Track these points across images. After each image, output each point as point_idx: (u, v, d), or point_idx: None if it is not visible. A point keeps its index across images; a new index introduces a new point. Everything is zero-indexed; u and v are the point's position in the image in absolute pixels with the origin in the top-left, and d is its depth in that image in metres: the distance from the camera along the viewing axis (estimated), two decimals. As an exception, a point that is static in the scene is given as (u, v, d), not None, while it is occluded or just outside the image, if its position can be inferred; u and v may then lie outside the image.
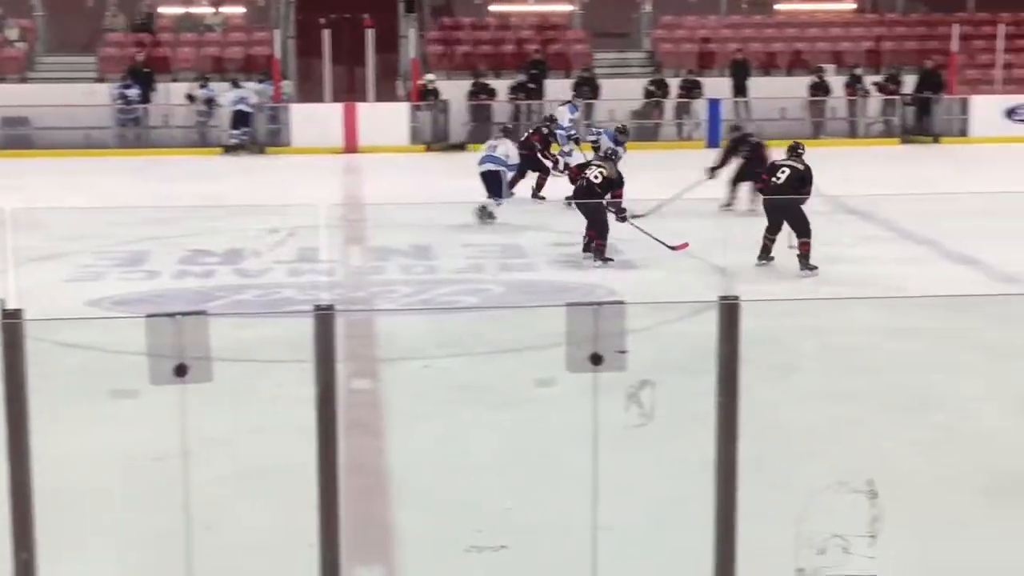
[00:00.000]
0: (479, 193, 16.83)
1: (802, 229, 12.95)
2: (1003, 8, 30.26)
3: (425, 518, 6.75)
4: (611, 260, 13.59)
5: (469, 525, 6.52)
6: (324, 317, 4.05)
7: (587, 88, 26.80)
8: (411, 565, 6.25)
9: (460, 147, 25.79)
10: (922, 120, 27.14)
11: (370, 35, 26.96)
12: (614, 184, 13.94)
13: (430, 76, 26.72)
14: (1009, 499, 6.95)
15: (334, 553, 4.17)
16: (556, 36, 29.41)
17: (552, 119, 19.51)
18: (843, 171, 18.90)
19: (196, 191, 19.74)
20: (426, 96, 26.36)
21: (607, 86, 27.24)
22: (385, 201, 18.16)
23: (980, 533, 6.56)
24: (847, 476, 5.38)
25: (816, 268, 12.84)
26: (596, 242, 13.58)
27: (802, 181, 13.18)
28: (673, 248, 13.67)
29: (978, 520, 6.72)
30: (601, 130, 18.06)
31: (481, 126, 26.59)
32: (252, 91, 26.15)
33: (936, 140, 26.46)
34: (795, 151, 13.61)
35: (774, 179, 13.42)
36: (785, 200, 13.10)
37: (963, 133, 26.66)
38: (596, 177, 13.91)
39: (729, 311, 4.23)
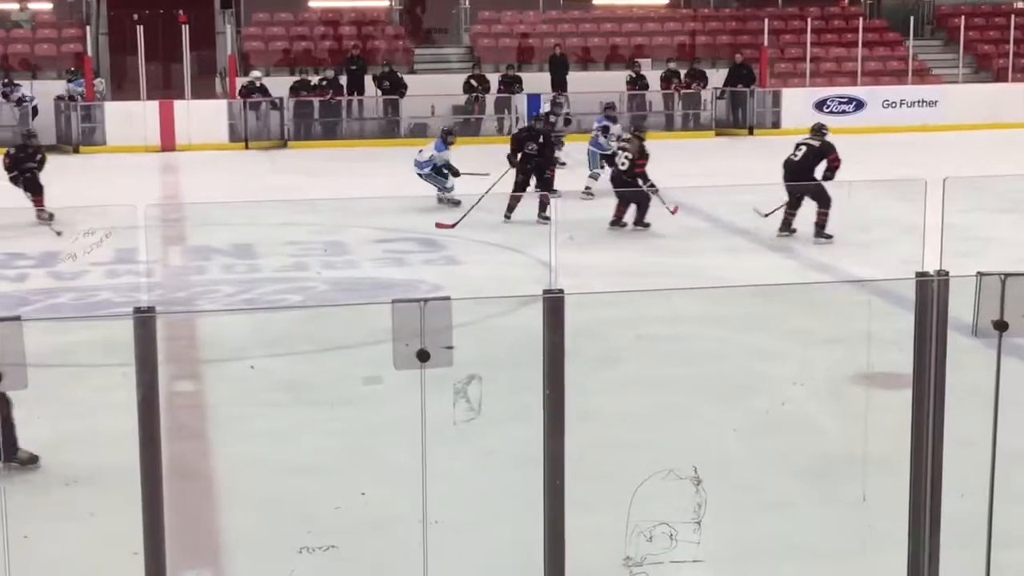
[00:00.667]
0: (299, 190, 16.70)
1: (822, 201, 14.03)
2: (811, 3, 31.11)
3: (254, 520, 6.68)
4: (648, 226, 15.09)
5: (299, 526, 6.46)
6: (144, 319, 3.97)
7: (388, 83, 26.72)
8: (240, 569, 6.18)
9: (283, 144, 25.55)
10: (736, 113, 27.73)
11: (185, 31, 26.50)
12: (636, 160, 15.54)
13: (256, 72, 26.37)
14: (825, 480, 7.16)
15: (160, 560, 4.10)
16: (375, 32, 29.29)
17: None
18: (661, 164, 19.18)
19: (7, 192, 19.15)
20: (252, 93, 26.03)
21: (427, 81, 27.24)
22: (205, 200, 17.88)
23: (801, 514, 6.74)
24: (672, 463, 5.47)
25: (832, 237, 13.87)
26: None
27: (820, 157, 14.24)
28: (672, 211, 15.35)
29: (798, 502, 6.91)
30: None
31: (302, 122, 26.36)
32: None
33: (750, 132, 27.07)
34: (818, 131, 14.60)
35: (792, 156, 14.51)
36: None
37: (776, 125, 27.29)
38: (623, 164, 15.57)
39: (553, 304, 4.26)
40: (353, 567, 6.05)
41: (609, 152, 18.35)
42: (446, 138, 17.37)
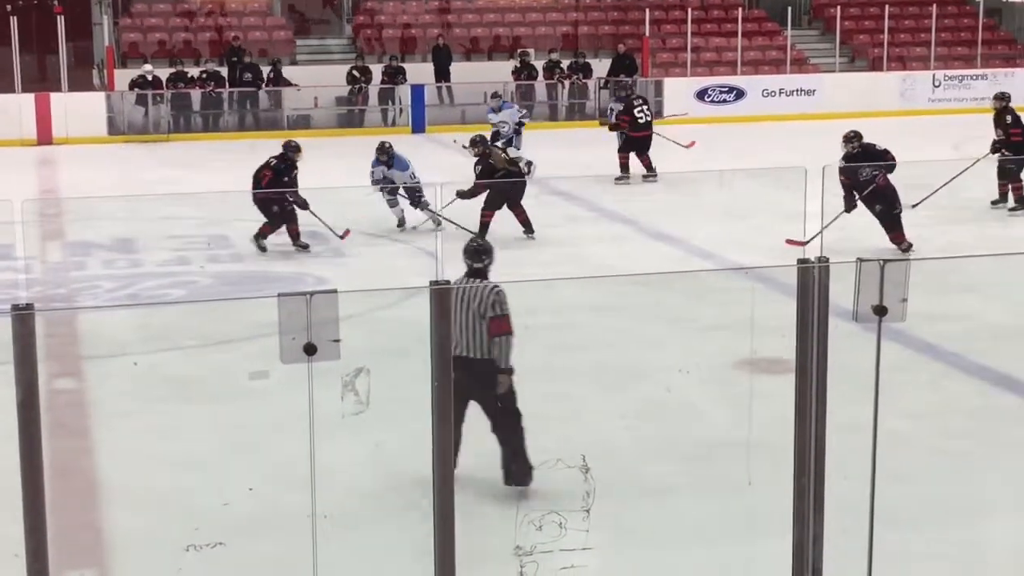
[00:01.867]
0: (181, 184, 16.47)
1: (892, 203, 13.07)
2: (691, -7, 31.44)
3: (139, 519, 6.59)
4: None
5: (185, 523, 6.39)
6: (23, 317, 3.90)
7: (250, 74, 26.50)
8: (126, 568, 6.10)
9: (165, 137, 25.22)
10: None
11: (61, 21, 26.00)
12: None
13: (148, 67, 25.93)
14: (710, 465, 7.25)
15: (42, 562, 4.03)
16: (257, 23, 29.00)
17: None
18: (546, 153, 19.26)
19: None
20: (144, 87, 25.59)
21: (310, 72, 27.04)
22: (84, 194, 17.58)
23: (687, 499, 6.82)
24: (561, 453, 5.50)
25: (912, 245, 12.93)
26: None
27: (871, 157, 13.29)
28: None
29: (683, 487, 6.99)
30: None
31: (180, 115, 26.01)
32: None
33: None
34: (851, 140, 13.47)
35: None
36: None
37: (658, 114, 27.53)
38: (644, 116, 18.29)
39: (440, 296, 4.26)
40: (242, 564, 6.00)
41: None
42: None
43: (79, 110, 24.95)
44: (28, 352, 3.91)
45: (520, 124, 19.52)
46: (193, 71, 26.50)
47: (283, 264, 13.14)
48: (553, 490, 5.29)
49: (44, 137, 24.53)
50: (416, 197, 14.80)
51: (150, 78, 25.71)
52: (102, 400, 8.67)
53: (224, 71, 26.53)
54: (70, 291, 12.15)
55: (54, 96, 25.08)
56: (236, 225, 15.21)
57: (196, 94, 26.22)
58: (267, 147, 21.82)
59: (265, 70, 26.54)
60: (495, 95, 20.88)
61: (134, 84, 25.71)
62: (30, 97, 25.00)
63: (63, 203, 17.81)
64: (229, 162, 21.38)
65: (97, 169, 21.06)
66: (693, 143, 18.94)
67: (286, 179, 13.77)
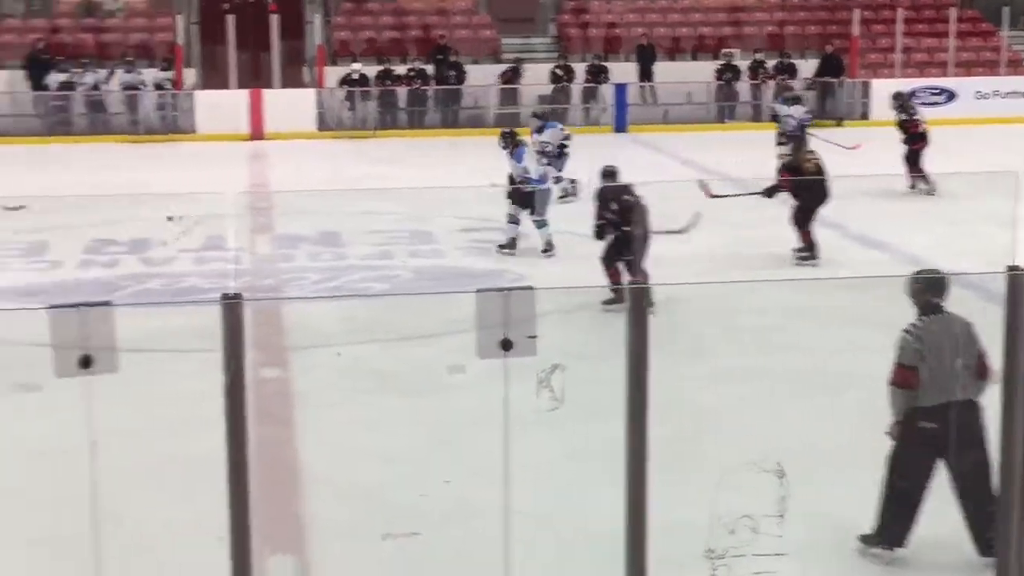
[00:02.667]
0: (386, 180, 16.75)
1: None
2: (901, -7, 30.70)
3: (337, 507, 6.73)
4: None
5: (382, 513, 6.51)
6: (232, 306, 4.00)
7: (454, 72, 26.79)
8: (324, 555, 6.23)
9: (372, 133, 25.68)
10: (825, 104, 27.43)
11: (275, 21, 26.70)
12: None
13: (356, 65, 26.50)
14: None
15: (245, 545, 4.13)
16: (462, 22, 29.34)
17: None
18: (750, 154, 19.04)
19: (100, 179, 19.45)
20: (352, 84, 26.15)
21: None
22: (292, 188, 18.01)
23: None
24: (757, 456, 5.44)
25: None
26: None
27: None
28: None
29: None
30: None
31: (387, 112, 26.46)
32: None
33: (839, 123, 26.76)
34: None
35: None
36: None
37: (865, 116, 26.95)
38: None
39: (637, 296, 4.24)
40: (436, 555, 6.07)
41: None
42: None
43: (290, 106, 25.58)
44: (236, 340, 4.01)
45: (563, 145, 17.47)
46: (400, 69, 26.95)
47: (484, 261, 13.25)
48: (747, 493, 5.22)
49: (256, 132, 25.22)
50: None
51: (357, 76, 26.24)
52: (306, 390, 8.87)
53: (430, 69, 26.92)
54: (277, 282, 12.46)
55: (267, 92, 25.76)
56: (438, 221, 15.42)
57: (402, 91, 26.66)
58: (471, 144, 22.15)
59: (471, 68, 26.85)
60: (536, 115, 18.65)
61: (343, 81, 26.29)
62: (244, 93, 25.72)
63: (273, 197, 18.29)
64: (433, 159, 21.70)
65: (306, 164, 21.56)
66: (858, 146, 18.40)
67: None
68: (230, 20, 26.37)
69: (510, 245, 13.37)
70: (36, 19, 28.00)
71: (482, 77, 27.05)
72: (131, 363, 4.30)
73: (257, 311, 10.73)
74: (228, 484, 4.09)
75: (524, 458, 4.90)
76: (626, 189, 11.43)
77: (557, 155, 17.08)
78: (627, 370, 4.24)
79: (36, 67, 25.98)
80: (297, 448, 7.71)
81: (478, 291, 4.15)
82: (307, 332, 10.52)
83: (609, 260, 11.20)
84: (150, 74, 26.20)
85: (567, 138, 17.57)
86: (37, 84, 25.87)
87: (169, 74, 26.06)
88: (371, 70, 26.69)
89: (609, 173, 11.82)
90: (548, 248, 13.30)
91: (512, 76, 26.83)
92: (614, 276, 11.08)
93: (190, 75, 26.97)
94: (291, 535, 6.40)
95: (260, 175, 21.27)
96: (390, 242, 14.16)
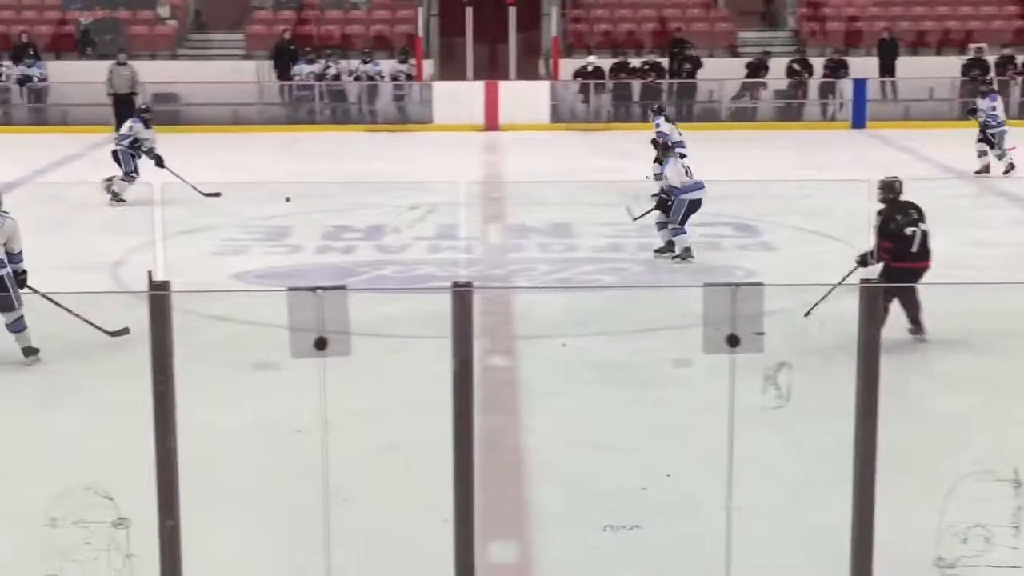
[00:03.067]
0: (617, 172, 16.75)
1: None
2: None
3: (560, 496, 6.77)
4: None
5: (603, 504, 6.53)
6: (462, 294, 4.07)
7: (690, 65, 26.57)
8: (545, 542, 6.28)
9: (604, 126, 25.75)
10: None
11: (512, 13, 26.98)
12: None
13: (591, 58, 26.63)
14: None
15: (469, 529, 4.20)
16: (699, 15, 29.13)
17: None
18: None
19: (339, 167, 19.98)
20: (586, 76, 26.30)
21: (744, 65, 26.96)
22: (525, 179, 18.19)
23: None
24: (991, 464, 5.27)
25: None
26: None
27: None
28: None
29: None
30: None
31: (621, 105, 26.48)
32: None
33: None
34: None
35: None
36: None
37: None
38: None
39: (870, 295, 4.16)
40: (656, 548, 6.07)
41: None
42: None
43: (525, 98, 25.82)
44: (465, 328, 4.09)
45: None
46: (635, 62, 26.93)
47: (714, 255, 13.15)
48: (981, 502, 5.06)
49: (491, 123, 25.53)
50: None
51: (592, 68, 26.32)
52: (532, 379, 8.95)
53: (665, 62, 26.82)
54: (507, 272, 12.59)
55: (502, 84, 26.05)
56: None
57: (636, 84, 26.63)
58: (705, 138, 21.99)
59: (707, 62, 26.66)
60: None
61: (578, 73, 26.40)
62: (480, 85, 26.07)
63: (505, 187, 18.50)
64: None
65: (538, 155, 21.74)
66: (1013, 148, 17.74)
67: None
68: (469, 12, 26.76)
69: (685, 254, 12.75)
70: (284, 11, 28.89)
71: (717, 71, 26.80)
72: (363, 347, 4.42)
73: (487, 300, 10.87)
74: (454, 468, 4.17)
75: (748, 454, 4.86)
76: (909, 213, 9.72)
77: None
78: (857, 370, 4.17)
79: (282, 57, 26.82)
80: (522, 436, 7.79)
81: (706, 285, 4.13)
82: (535, 322, 10.61)
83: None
84: (387, 65, 26.77)
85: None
86: (283, 74, 26.71)
87: (405, 66, 26.57)
88: (606, 63, 26.74)
89: (887, 186, 9.92)
90: (685, 255, 12.70)
91: (756, 70, 26.49)
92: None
93: (428, 66, 27.46)
94: (513, 521, 6.48)
95: (493, 165, 21.52)
96: (620, 235, 14.16)
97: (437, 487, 4.51)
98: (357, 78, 26.53)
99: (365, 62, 26.62)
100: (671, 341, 9.19)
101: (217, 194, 16.23)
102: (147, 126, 17.25)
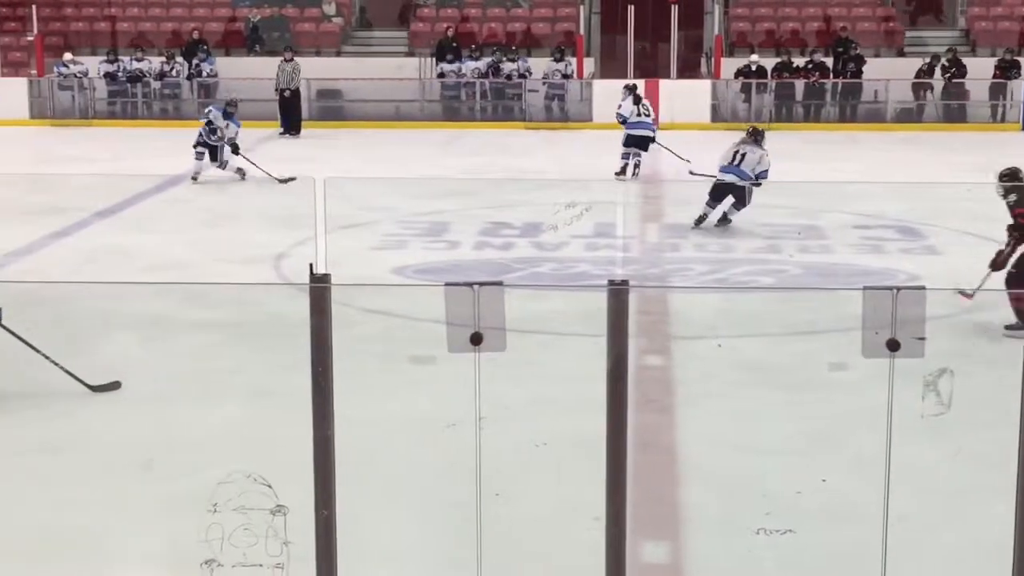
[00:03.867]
0: (777, 173, 16.55)
1: None
2: None
3: (713, 498, 6.73)
4: None
5: (757, 507, 6.47)
6: (618, 292, 4.07)
7: (854, 65, 26.08)
8: (697, 544, 6.25)
9: (765, 125, 25.49)
10: None
11: (674, 11, 26.86)
12: None
13: (755, 56, 26.37)
14: None
15: (620, 528, 4.19)
16: (866, 14, 28.64)
17: None
18: None
19: (498, 164, 20.11)
20: (749, 76, 26.07)
21: (913, 65, 26.41)
22: (683, 179, 18.08)
23: None
24: None
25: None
26: None
27: None
28: None
29: None
30: None
31: (783, 104, 26.18)
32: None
33: None
34: None
35: None
36: None
37: None
38: None
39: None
40: (810, 554, 5.99)
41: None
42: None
43: (685, 97, 25.67)
44: (620, 326, 4.08)
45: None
46: (798, 61, 26.58)
47: (874, 258, 12.94)
48: None
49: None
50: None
51: (754, 68, 26.07)
52: (687, 379, 8.91)
53: (829, 61, 26.43)
54: (663, 271, 12.55)
55: (663, 83, 25.94)
56: (829, 217, 15.15)
57: (799, 84, 26.29)
58: (866, 140, 21.67)
59: (872, 62, 26.20)
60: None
61: (739, 73, 26.16)
62: (640, 83, 25.97)
63: (663, 186, 18.42)
64: (828, 153, 21.33)
65: (698, 154, 21.57)
66: None
67: None
68: (630, 10, 26.70)
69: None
70: (447, 8, 29.16)
71: (883, 70, 26.31)
72: (519, 343, 4.45)
73: (643, 298, 10.85)
74: (606, 466, 4.17)
75: (906, 462, 4.77)
76: None
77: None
78: (1023, 378, 4.07)
79: (445, 55, 27.07)
80: (675, 436, 7.75)
81: (865, 288, 4.07)
82: (690, 322, 10.56)
83: (1015, 282, 9.70)
84: (539, 63, 26.83)
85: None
86: (445, 72, 26.95)
87: (560, 65, 26.58)
88: (768, 61, 26.45)
89: (1012, 175, 9.96)
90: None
91: (928, 70, 25.94)
92: (1019, 301, 9.43)
93: (589, 64, 27.46)
94: (665, 521, 6.45)
95: (652, 164, 21.44)
96: (779, 236, 14.01)
97: (589, 484, 4.51)
98: (521, 76, 26.65)
99: (514, 60, 26.77)
100: (829, 344, 9.06)
101: (293, 178, 17.10)
102: (226, 117, 18.35)
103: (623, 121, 18.59)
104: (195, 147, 18.11)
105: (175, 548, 5.65)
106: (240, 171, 17.95)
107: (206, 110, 18.83)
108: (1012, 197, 9.80)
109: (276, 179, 17.29)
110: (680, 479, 7.07)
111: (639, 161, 18.36)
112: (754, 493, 6.72)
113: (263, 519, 4.32)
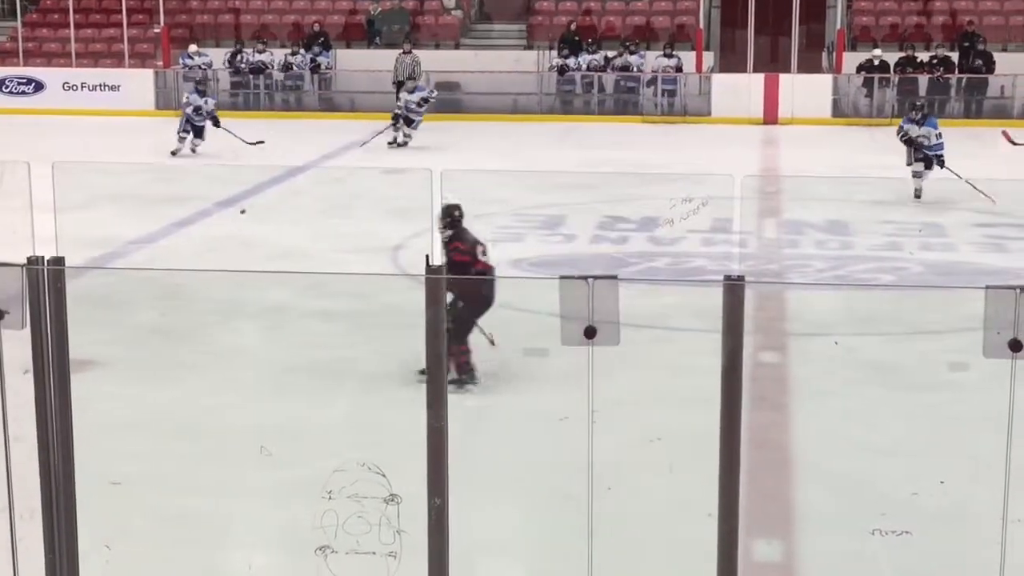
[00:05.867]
0: (896, 169, 16.33)
1: None
2: None
3: (827, 497, 6.67)
4: None
5: (872, 507, 6.39)
6: (733, 287, 4.04)
7: (981, 60, 25.54)
8: (811, 543, 6.19)
9: (888, 121, 25.14)
10: None
11: (796, 4, 26.57)
12: None
13: (877, 51, 26.01)
14: None
15: (732, 524, 4.17)
16: (994, 7, 28.07)
17: None
18: None
19: (615, 158, 20.07)
20: (870, 70, 25.72)
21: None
22: (802, 174, 17.90)
23: None
24: None
25: None
26: None
27: None
28: None
29: None
30: None
31: (905, 100, 25.77)
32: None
33: None
34: None
35: None
36: None
37: None
38: None
39: None
40: (926, 556, 5.91)
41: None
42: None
43: (806, 91, 25.40)
44: (736, 322, 4.05)
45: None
46: (923, 56, 26.15)
47: (996, 256, 12.71)
48: None
49: (770, 116, 25.22)
50: None
51: (877, 62, 25.69)
52: (803, 377, 8.83)
53: (955, 56, 25.96)
54: (781, 267, 12.44)
55: (783, 77, 25.69)
56: (952, 215, 14.90)
57: (923, 79, 25.86)
58: (990, 136, 21.22)
59: (1000, 57, 25.68)
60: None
61: (861, 67, 25.80)
62: (760, 77, 25.78)
63: (782, 181, 18.24)
64: (948, 150, 20.94)
65: (817, 150, 21.37)
66: None
67: None
68: (751, 4, 26.48)
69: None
70: (566, 2, 29.15)
71: (1012, 66, 25.79)
72: (633, 337, 4.44)
73: (759, 295, 10.76)
74: (720, 463, 4.14)
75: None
76: None
77: None
78: None
79: (566, 48, 27.06)
80: (790, 434, 7.69)
81: (987, 287, 4.00)
82: (807, 319, 10.45)
83: None
84: (653, 58, 26.74)
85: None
86: (565, 65, 26.94)
87: (672, 61, 26.41)
88: (891, 56, 26.05)
89: None
90: None
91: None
92: None
93: (708, 58, 27.29)
94: (779, 519, 6.40)
95: (771, 159, 21.27)
96: (900, 233, 13.81)
97: (701, 481, 4.49)
98: (640, 70, 26.56)
99: (631, 53, 26.67)
100: (949, 344, 8.92)
101: (261, 141, 19.44)
102: (202, 95, 20.58)
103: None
104: (180, 132, 20.36)
105: (290, 534, 5.73)
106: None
107: (185, 96, 21.04)
108: None
109: (246, 142, 19.34)
110: (794, 477, 7.01)
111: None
112: (869, 493, 6.64)
113: (377, 507, 4.36)
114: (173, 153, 20.16)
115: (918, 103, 17.28)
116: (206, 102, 20.41)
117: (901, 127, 16.76)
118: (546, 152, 21.13)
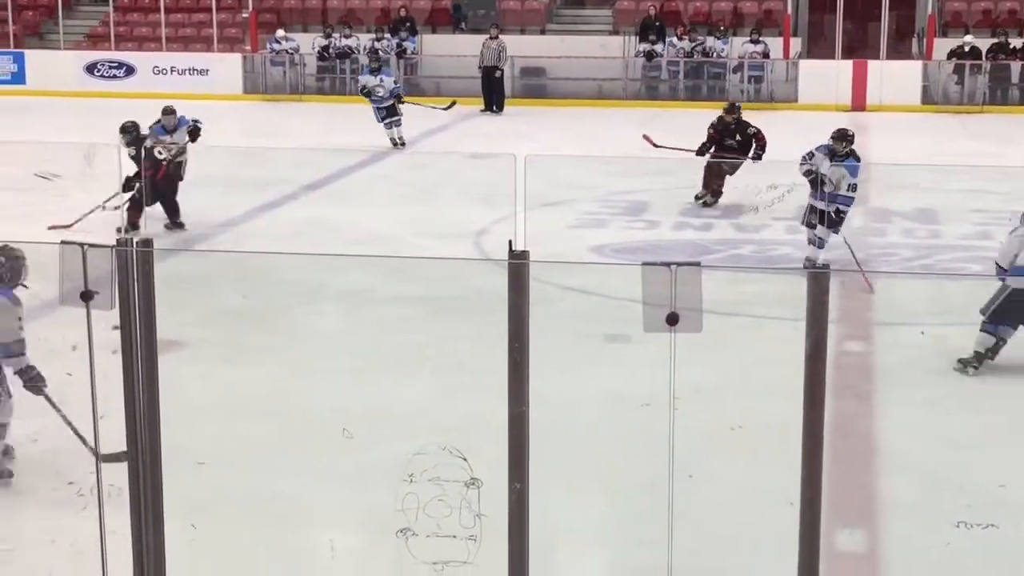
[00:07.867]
0: (989, 157, 16.09)
1: None
2: None
3: (911, 487, 6.60)
4: None
5: (957, 499, 6.32)
6: (818, 276, 4.01)
7: (1002, 55, 25.06)
8: (894, 533, 6.14)
9: (978, 109, 24.77)
10: None
11: (886, -9, 26.31)
12: None
13: (968, 37, 25.65)
14: None
15: (815, 514, 4.14)
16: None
17: None
18: None
19: (694, 144, 19.89)
20: (962, 57, 25.37)
21: None
22: (890, 162, 17.68)
23: None
24: None
25: None
26: None
27: None
28: None
29: None
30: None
31: (998, 87, 25.38)
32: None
33: None
34: None
35: None
36: None
37: None
38: None
39: None
40: (1011, 550, 5.83)
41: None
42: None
43: (895, 78, 25.10)
44: (820, 310, 4.02)
45: None
46: (1016, 42, 25.73)
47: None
48: None
49: (858, 103, 24.95)
50: None
51: (968, 49, 25.32)
52: (888, 367, 8.74)
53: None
54: (868, 256, 12.30)
55: (871, 63, 25.39)
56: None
57: (1016, 66, 25.46)
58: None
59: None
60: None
61: (952, 54, 25.45)
62: (848, 64, 25.50)
63: (870, 169, 18.02)
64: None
65: (906, 137, 21.10)
66: None
67: None
68: (840, -10, 26.24)
69: None
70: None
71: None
72: (716, 324, 4.41)
73: (845, 284, 10.66)
74: (802, 451, 4.12)
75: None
76: None
77: None
78: None
79: (648, 34, 26.95)
80: (874, 424, 7.62)
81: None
82: (893, 308, 10.34)
83: None
84: (739, 44, 26.55)
85: None
86: (652, 51, 26.83)
87: (758, 47, 26.19)
88: (983, 43, 25.65)
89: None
90: None
91: None
92: None
93: (795, 44, 27.04)
94: (861, 509, 6.35)
95: (858, 147, 21.00)
96: (990, 222, 13.60)
97: (783, 469, 4.46)
98: (725, 56, 26.42)
99: (720, 39, 26.52)
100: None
101: (453, 103, 20.63)
102: (375, 72, 19.73)
103: None
104: (383, 124, 19.46)
105: (372, 517, 5.77)
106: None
107: (362, 84, 20.05)
108: None
109: (438, 108, 20.02)
110: (877, 467, 6.95)
111: None
112: (954, 485, 6.57)
113: (457, 491, 4.38)
114: (398, 144, 19.39)
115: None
116: (381, 80, 19.46)
117: (812, 154, 12.31)
118: (631, 138, 21.02)
